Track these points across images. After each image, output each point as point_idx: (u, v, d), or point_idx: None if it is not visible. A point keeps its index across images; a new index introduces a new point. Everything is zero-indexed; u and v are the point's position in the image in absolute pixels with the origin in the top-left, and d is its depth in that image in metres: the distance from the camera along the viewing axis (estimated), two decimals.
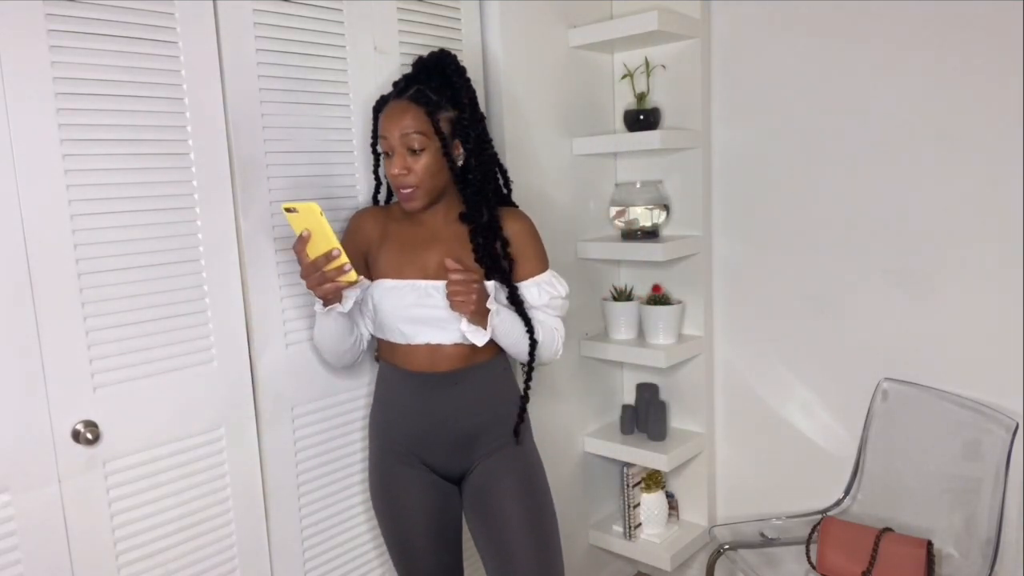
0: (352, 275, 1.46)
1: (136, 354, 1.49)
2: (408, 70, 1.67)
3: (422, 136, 1.53)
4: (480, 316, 1.55)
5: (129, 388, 1.49)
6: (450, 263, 1.51)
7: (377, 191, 1.78)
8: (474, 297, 1.51)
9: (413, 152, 1.54)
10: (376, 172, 1.76)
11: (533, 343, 1.63)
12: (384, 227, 1.68)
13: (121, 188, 1.45)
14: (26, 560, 1.38)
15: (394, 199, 1.78)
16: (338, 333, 1.63)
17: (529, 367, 1.67)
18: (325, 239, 1.43)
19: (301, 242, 1.45)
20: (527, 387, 1.69)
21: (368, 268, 1.68)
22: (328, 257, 1.44)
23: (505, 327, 1.60)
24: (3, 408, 1.34)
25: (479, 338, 1.56)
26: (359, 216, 1.71)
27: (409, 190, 1.56)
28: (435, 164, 1.56)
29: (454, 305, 1.53)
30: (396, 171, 1.55)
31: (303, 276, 1.50)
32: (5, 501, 1.35)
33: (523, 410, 1.70)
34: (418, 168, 1.54)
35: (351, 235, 1.69)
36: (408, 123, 1.53)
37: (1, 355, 1.33)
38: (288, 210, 1.42)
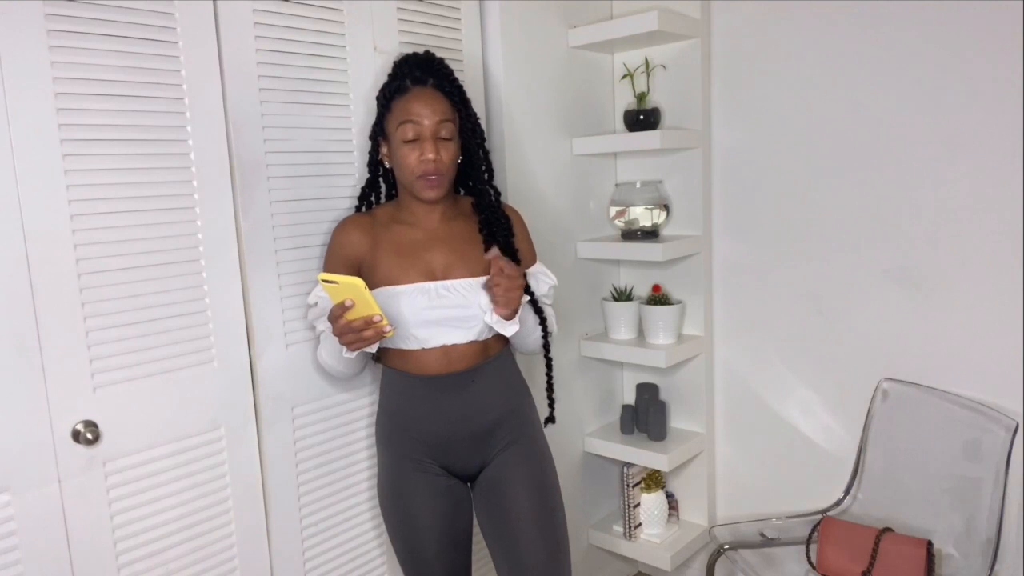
0: (391, 332, 1.46)
1: (136, 354, 1.49)
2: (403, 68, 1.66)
3: (452, 125, 1.57)
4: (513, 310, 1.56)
5: (129, 388, 1.49)
6: (495, 254, 1.53)
7: (371, 187, 1.72)
8: (519, 293, 1.54)
9: (443, 140, 1.56)
10: (373, 164, 1.70)
11: (547, 332, 1.71)
12: (373, 235, 1.64)
13: (121, 188, 1.45)
14: (26, 560, 1.38)
15: (375, 204, 1.76)
16: (355, 361, 1.65)
17: (547, 354, 1.76)
18: (367, 307, 1.42)
19: (340, 308, 1.44)
20: (550, 371, 1.80)
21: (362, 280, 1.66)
22: (368, 322, 1.44)
23: (525, 317, 1.65)
24: (3, 408, 1.34)
25: (509, 329, 1.57)
26: (343, 230, 1.65)
27: (435, 177, 1.56)
28: (457, 155, 1.60)
29: (500, 300, 1.52)
30: (431, 156, 1.54)
31: (336, 333, 1.49)
32: (5, 501, 1.36)
33: (551, 388, 1.81)
34: (446, 156, 1.56)
35: (338, 251, 1.64)
36: (443, 110, 1.56)
37: (1, 355, 1.33)
38: (326, 281, 1.41)
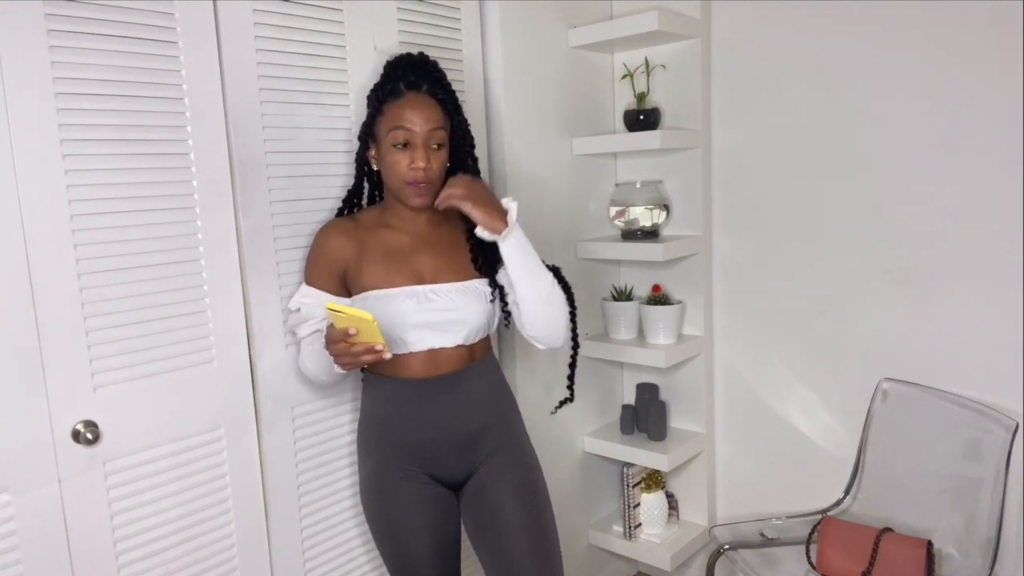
0: (389, 356, 1.43)
1: (136, 354, 1.49)
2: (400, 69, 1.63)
3: (444, 133, 1.56)
4: (496, 213, 1.52)
5: (129, 388, 1.49)
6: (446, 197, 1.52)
7: (358, 189, 1.70)
8: (480, 185, 1.54)
9: (434, 148, 1.55)
10: (361, 165, 1.67)
11: (571, 296, 1.65)
12: (358, 240, 1.61)
13: (121, 188, 1.45)
14: (26, 560, 1.38)
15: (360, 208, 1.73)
16: (341, 372, 1.62)
17: (573, 316, 1.67)
18: (372, 337, 1.39)
19: (343, 333, 1.40)
20: (576, 343, 1.75)
21: (347, 285, 1.62)
22: (369, 349, 1.41)
23: (529, 260, 1.57)
24: (3, 408, 1.34)
25: (513, 237, 1.52)
26: (326, 236, 1.62)
27: (424, 185, 1.55)
28: (446, 162, 1.59)
29: (456, 199, 1.50)
30: (422, 164, 1.52)
31: (333, 353, 1.45)
32: (5, 501, 1.35)
33: (572, 371, 1.82)
34: (436, 165, 1.55)
35: (321, 257, 1.61)
36: (436, 118, 1.54)
37: (1, 355, 1.33)
38: (333, 310, 1.38)
